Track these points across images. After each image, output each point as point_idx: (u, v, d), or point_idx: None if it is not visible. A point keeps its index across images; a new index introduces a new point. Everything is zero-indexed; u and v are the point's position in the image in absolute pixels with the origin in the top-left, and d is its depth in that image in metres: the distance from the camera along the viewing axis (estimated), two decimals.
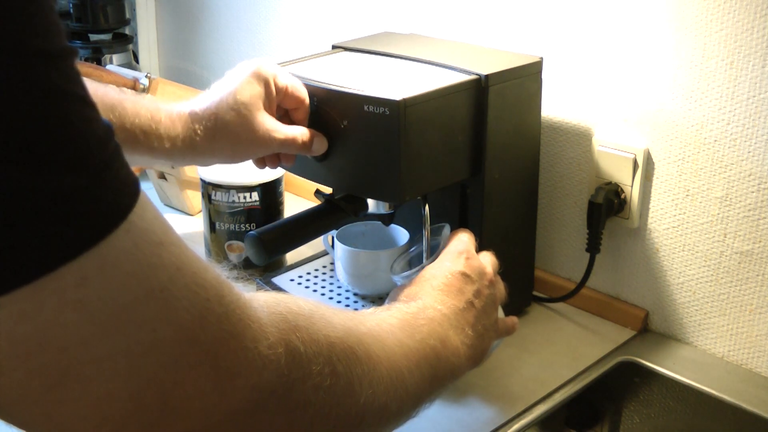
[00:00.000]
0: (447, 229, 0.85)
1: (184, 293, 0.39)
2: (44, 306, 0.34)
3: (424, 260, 0.86)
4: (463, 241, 0.80)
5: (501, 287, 0.80)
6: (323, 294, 1.02)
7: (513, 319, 0.82)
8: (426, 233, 0.90)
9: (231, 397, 0.41)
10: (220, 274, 0.43)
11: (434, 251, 0.82)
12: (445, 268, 0.76)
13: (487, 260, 0.80)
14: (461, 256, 0.77)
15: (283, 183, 1.14)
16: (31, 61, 0.33)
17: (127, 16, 1.57)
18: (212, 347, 0.40)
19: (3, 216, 0.32)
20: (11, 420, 0.37)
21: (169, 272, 0.38)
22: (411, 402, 0.61)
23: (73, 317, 0.35)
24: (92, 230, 0.35)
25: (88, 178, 0.34)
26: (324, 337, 0.49)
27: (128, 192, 0.37)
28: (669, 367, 0.93)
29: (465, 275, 0.75)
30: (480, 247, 0.81)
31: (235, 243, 1.11)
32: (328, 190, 0.91)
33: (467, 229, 0.83)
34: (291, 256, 1.13)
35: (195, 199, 1.31)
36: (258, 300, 0.46)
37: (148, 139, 0.79)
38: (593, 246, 0.99)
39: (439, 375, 0.65)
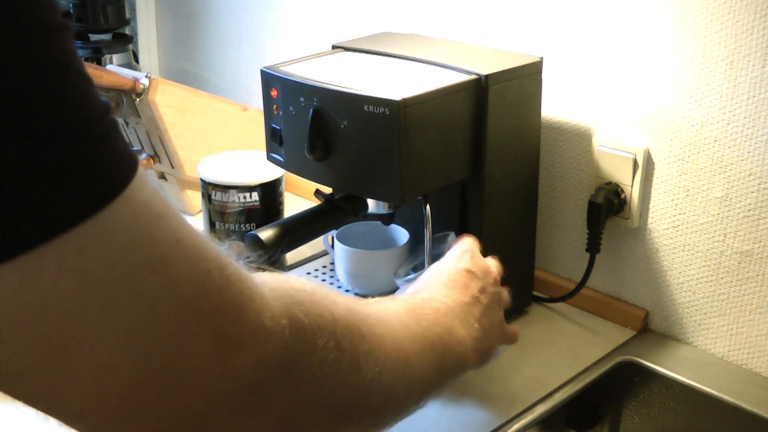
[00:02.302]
0: (452, 236, 0.85)
1: (184, 264, 0.39)
2: (43, 275, 0.34)
3: (427, 265, 0.86)
4: (467, 242, 0.80)
5: (505, 291, 0.80)
6: None
7: (515, 327, 0.82)
8: (428, 233, 0.90)
9: (235, 369, 0.41)
10: (221, 249, 0.43)
11: (438, 259, 0.81)
12: (450, 265, 0.76)
13: (492, 262, 0.80)
14: (466, 255, 0.77)
15: (283, 183, 1.14)
16: (27, 33, 0.33)
17: (127, 16, 1.57)
18: (214, 318, 0.40)
19: (1, 184, 0.32)
20: (16, 393, 0.37)
21: (169, 243, 0.38)
22: (418, 386, 0.60)
23: (72, 286, 0.35)
24: (90, 200, 0.35)
25: (86, 148, 0.34)
26: (328, 312, 0.49)
27: (126, 165, 0.37)
28: (669, 367, 0.93)
29: (470, 272, 0.75)
30: (480, 248, 0.81)
31: (235, 243, 1.11)
32: (328, 190, 0.91)
33: (471, 235, 0.82)
34: (291, 256, 1.13)
35: (195, 199, 1.31)
36: (260, 276, 0.45)
37: None
38: (593, 246, 0.99)
39: (445, 363, 0.64)
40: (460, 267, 0.75)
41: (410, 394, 0.59)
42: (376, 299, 0.64)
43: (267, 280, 0.46)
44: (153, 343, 0.37)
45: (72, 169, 0.34)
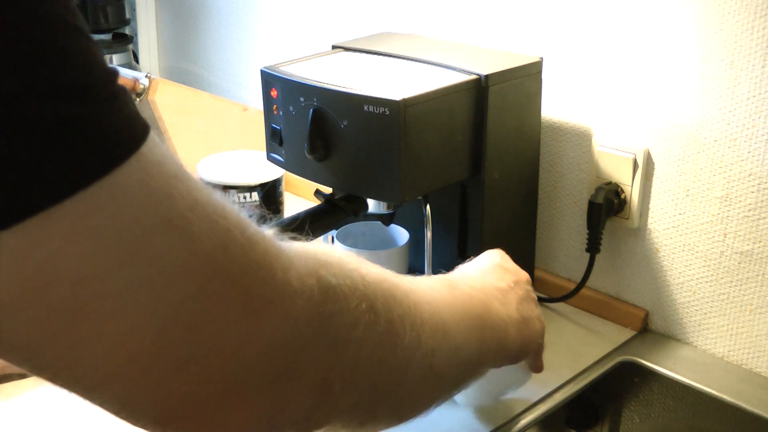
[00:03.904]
0: None
1: (204, 222, 0.37)
2: (54, 236, 0.33)
3: (427, 272, 0.84)
4: (496, 250, 0.78)
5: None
6: None
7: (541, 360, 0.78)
8: (428, 233, 0.90)
9: (264, 328, 0.39)
10: (240, 210, 0.41)
11: None
12: (481, 260, 0.74)
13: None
14: (498, 254, 0.75)
15: (283, 183, 1.14)
16: None
17: (127, 16, 1.57)
18: (239, 277, 0.38)
19: (8, 145, 0.31)
20: (34, 368, 0.36)
21: (187, 202, 0.37)
22: (459, 359, 0.57)
23: (85, 247, 0.33)
24: (102, 159, 0.34)
25: (96, 108, 0.33)
26: (359, 276, 0.47)
27: (138, 126, 0.36)
28: (669, 367, 0.93)
29: (503, 267, 0.73)
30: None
31: None
32: (328, 190, 0.91)
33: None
34: None
35: None
36: (284, 241, 0.44)
37: None
38: (593, 246, 0.99)
39: (486, 337, 0.62)
40: (492, 261, 0.73)
41: (451, 366, 0.56)
42: (408, 276, 0.61)
43: (292, 245, 0.44)
44: (176, 304, 0.36)
45: (81, 128, 0.33)
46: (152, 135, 0.36)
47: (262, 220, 0.48)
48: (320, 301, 0.43)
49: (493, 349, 0.64)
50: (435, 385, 0.56)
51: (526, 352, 0.71)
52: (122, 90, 0.36)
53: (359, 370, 0.46)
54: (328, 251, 0.47)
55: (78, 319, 0.34)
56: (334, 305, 0.44)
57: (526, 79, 0.92)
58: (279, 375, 0.40)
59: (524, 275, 0.75)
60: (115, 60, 1.53)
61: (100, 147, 0.34)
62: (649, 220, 0.97)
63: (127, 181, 0.34)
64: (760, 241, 0.88)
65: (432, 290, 0.58)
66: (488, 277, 0.70)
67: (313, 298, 0.42)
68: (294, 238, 0.48)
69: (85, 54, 0.34)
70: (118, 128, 0.34)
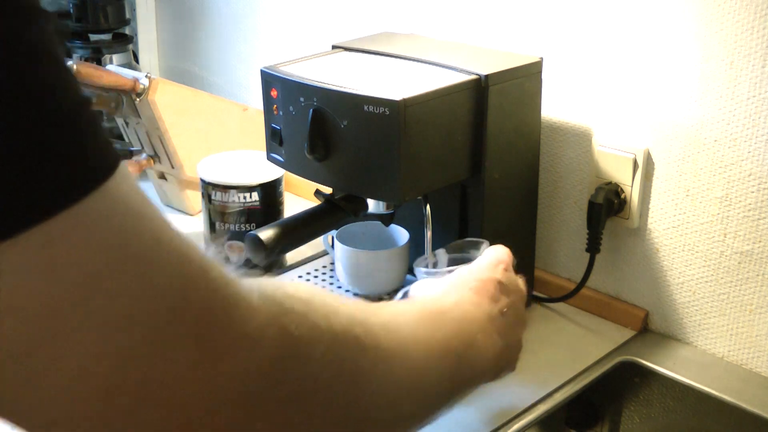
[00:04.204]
0: (485, 245, 0.81)
1: (164, 265, 0.36)
2: (8, 270, 0.31)
3: (430, 266, 0.84)
4: (503, 252, 0.76)
5: (527, 314, 0.77)
6: None
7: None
8: (428, 233, 0.90)
9: (217, 380, 0.38)
10: (206, 252, 0.40)
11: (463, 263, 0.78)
12: (482, 271, 0.72)
13: (522, 280, 0.77)
14: (500, 265, 0.74)
15: (283, 183, 1.14)
16: (3, 16, 0.31)
17: (127, 16, 1.57)
18: (196, 324, 0.37)
19: None
20: None
21: (148, 243, 0.35)
22: (427, 402, 0.57)
23: (39, 284, 0.32)
24: (62, 192, 0.32)
25: (61, 137, 0.32)
26: (325, 322, 0.45)
27: (106, 159, 0.34)
28: (669, 367, 0.93)
29: (501, 284, 0.72)
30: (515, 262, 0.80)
31: (235, 243, 1.11)
32: (328, 190, 0.91)
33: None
34: (291, 256, 1.13)
35: (195, 199, 1.31)
36: (249, 282, 0.42)
37: None
38: (593, 246, 0.99)
39: (460, 377, 0.61)
40: (493, 276, 0.72)
41: (417, 412, 0.56)
42: (392, 302, 0.60)
43: (257, 287, 0.42)
44: (129, 349, 0.35)
45: (43, 158, 0.31)
46: (123, 167, 0.35)
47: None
48: (278, 354, 0.41)
49: (467, 384, 0.64)
50: (401, 425, 0.55)
51: (500, 376, 0.72)
52: (93, 119, 0.34)
53: (317, 421, 0.44)
54: (295, 293, 0.45)
55: (28, 357, 0.33)
56: (293, 359, 0.42)
57: (526, 79, 0.92)
58: (230, 428, 0.39)
59: (521, 293, 0.74)
60: (115, 60, 1.53)
61: (63, 178, 0.32)
62: (649, 220, 0.97)
63: (89, 215, 0.33)
64: (760, 241, 0.88)
65: (411, 331, 0.56)
66: (484, 300, 0.69)
67: (271, 351, 0.40)
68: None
69: (56, 81, 0.33)
70: (84, 159, 0.33)
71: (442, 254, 0.86)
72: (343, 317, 0.48)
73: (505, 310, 0.70)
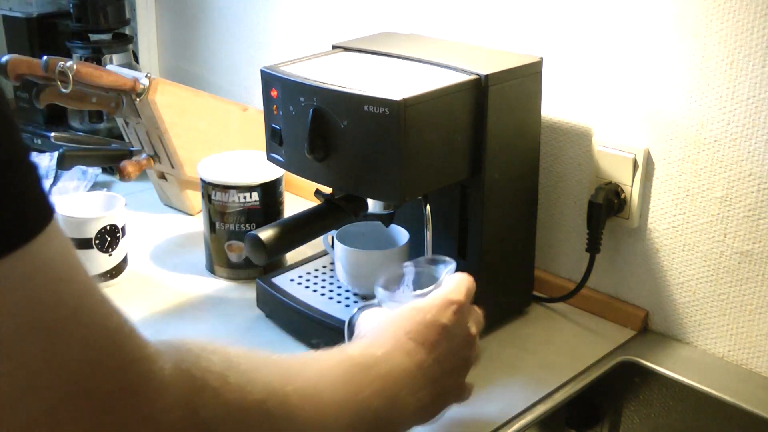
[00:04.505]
0: (452, 267, 0.78)
1: (76, 337, 0.35)
2: None
3: (412, 288, 0.80)
4: (460, 290, 0.73)
5: (476, 355, 0.76)
6: (323, 294, 1.02)
7: (470, 385, 0.78)
8: (428, 233, 0.90)
9: None
10: (127, 322, 0.38)
11: (431, 283, 0.76)
12: (427, 313, 0.70)
13: (475, 319, 0.75)
14: (451, 307, 0.71)
15: (283, 183, 1.14)
16: None
17: (127, 16, 1.57)
18: (101, 400, 0.36)
19: None
20: None
21: (63, 312, 0.34)
22: None
23: None
24: None
25: None
26: (237, 398, 0.45)
27: (34, 217, 0.33)
28: (669, 367, 0.93)
29: (446, 329, 0.70)
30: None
31: (235, 243, 1.11)
32: (328, 190, 0.91)
33: (471, 276, 0.76)
34: (291, 256, 1.13)
35: (195, 199, 1.31)
36: (166, 354, 0.41)
37: None
38: (593, 246, 0.99)
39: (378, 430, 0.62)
40: (438, 320, 0.70)
41: None
42: (322, 358, 0.60)
43: (173, 360, 0.41)
44: (31, 419, 0.33)
45: None
46: (53, 225, 0.34)
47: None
48: None
49: None
50: None
51: (437, 418, 0.72)
52: (26, 172, 0.33)
53: None
54: (213, 368, 0.44)
55: None
56: None
57: (526, 79, 0.92)
58: None
59: (469, 336, 0.73)
60: (115, 60, 1.53)
61: None
62: (649, 220, 0.97)
63: (7, 275, 0.32)
64: (760, 241, 0.88)
65: (330, 392, 0.56)
66: (420, 349, 0.68)
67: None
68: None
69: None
70: (6, 218, 0.32)
71: (410, 268, 0.83)
72: (258, 388, 0.47)
73: (443, 358, 0.69)
